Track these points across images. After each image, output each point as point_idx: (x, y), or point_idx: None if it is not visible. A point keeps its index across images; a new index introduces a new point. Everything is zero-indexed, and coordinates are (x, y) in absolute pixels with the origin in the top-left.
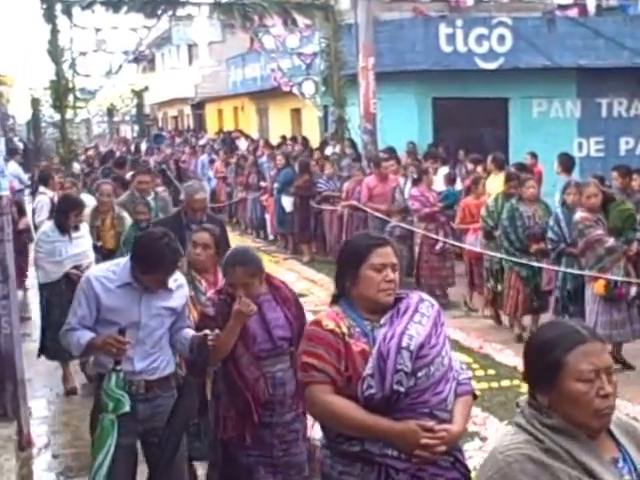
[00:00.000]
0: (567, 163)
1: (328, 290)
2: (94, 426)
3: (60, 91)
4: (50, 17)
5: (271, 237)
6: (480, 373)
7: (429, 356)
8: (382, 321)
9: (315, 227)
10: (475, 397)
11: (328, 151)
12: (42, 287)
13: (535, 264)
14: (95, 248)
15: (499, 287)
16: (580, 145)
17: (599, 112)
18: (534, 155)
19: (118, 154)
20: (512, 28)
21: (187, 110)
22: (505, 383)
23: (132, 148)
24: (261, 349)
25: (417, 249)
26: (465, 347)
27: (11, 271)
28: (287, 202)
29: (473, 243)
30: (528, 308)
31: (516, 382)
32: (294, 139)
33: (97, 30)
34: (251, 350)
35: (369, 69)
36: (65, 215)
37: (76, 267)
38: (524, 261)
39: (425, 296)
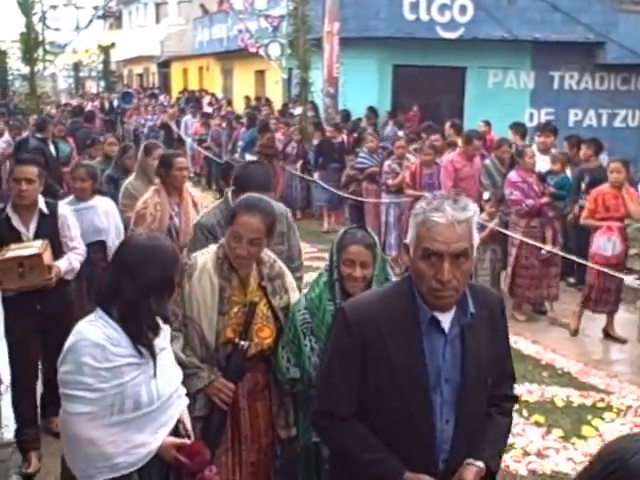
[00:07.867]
0: (519, 130)
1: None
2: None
3: (30, 44)
4: None
5: None
6: None
7: None
8: None
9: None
10: None
11: (297, 112)
12: None
13: None
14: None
15: None
16: (531, 115)
17: (551, 84)
18: (488, 123)
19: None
20: None
21: (153, 68)
22: None
23: (106, 105)
24: None
25: (514, 251)
26: None
27: None
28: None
29: (602, 247)
30: None
31: None
32: (258, 100)
33: None
34: None
35: (334, 34)
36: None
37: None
38: None
39: None
